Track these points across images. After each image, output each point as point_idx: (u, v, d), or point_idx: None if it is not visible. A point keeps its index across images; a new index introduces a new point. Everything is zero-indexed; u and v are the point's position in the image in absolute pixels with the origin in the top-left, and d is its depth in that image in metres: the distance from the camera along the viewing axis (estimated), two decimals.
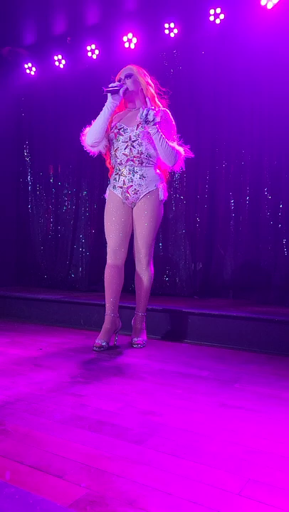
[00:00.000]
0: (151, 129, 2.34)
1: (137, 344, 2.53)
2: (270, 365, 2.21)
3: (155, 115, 2.29)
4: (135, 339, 2.55)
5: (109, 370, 2.08)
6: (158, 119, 2.31)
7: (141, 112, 2.31)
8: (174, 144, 2.43)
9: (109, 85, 2.36)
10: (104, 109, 2.40)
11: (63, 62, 4.23)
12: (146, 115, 2.28)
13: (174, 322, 2.87)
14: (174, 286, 3.73)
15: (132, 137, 2.42)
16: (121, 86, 2.37)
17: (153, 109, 2.30)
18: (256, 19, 3.29)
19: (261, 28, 3.28)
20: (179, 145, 2.46)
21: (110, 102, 2.39)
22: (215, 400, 1.66)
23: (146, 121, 2.31)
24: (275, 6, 3.21)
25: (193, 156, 2.49)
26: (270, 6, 3.22)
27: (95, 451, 1.22)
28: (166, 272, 3.77)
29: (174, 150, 2.40)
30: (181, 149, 2.44)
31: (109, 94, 2.38)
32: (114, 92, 2.36)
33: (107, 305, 2.51)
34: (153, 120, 2.30)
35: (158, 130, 2.34)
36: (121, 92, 2.37)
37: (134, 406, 1.59)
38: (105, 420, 1.45)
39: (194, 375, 2.00)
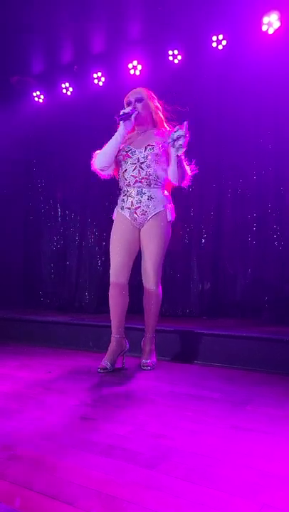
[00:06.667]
0: (179, 152, 2.30)
1: (147, 366, 2.50)
2: (281, 386, 2.18)
3: (184, 140, 2.27)
4: (144, 361, 2.53)
5: (118, 392, 2.06)
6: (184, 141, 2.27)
7: (173, 134, 2.27)
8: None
9: (121, 112, 2.39)
10: (117, 135, 2.43)
11: (70, 89, 4.36)
12: (178, 139, 2.25)
13: (183, 343, 2.85)
14: (183, 307, 3.71)
15: (141, 159, 2.44)
16: (133, 111, 2.40)
17: (183, 134, 2.25)
18: (258, 44, 3.38)
19: (263, 52, 3.36)
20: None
21: (123, 129, 2.41)
22: (226, 423, 1.63)
23: (177, 146, 2.28)
24: (276, 31, 3.30)
25: (197, 171, 2.49)
26: (271, 31, 3.31)
27: (106, 477, 1.20)
28: (174, 293, 3.76)
29: (186, 171, 2.44)
30: (188, 168, 2.47)
31: (121, 122, 2.40)
32: (127, 119, 2.39)
33: (112, 326, 2.50)
34: (181, 146, 2.27)
35: (184, 154, 2.34)
36: (132, 117, 2.40)
37: (145, 429, 1.56)
38: (116, 444, 1.43)
39: (205, 396, 1.97)
